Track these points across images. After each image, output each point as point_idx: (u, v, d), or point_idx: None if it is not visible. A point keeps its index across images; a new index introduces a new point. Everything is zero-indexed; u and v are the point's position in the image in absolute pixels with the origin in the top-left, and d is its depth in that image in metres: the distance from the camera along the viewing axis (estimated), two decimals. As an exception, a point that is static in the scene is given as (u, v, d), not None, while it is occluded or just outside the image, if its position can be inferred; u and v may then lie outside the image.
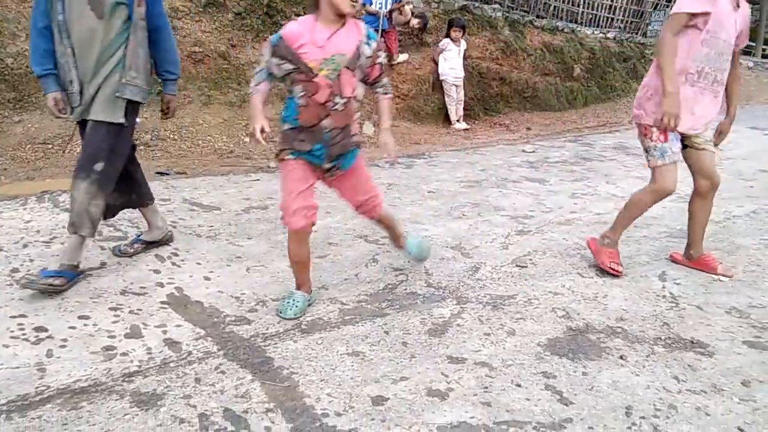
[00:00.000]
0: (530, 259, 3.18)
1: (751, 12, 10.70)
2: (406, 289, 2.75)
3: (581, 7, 10.85)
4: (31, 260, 2.83)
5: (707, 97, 2.79)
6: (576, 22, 10.71)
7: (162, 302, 2.52)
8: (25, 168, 4.49)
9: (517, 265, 3.10)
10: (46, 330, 2.24)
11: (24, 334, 2.20)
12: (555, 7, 10.54)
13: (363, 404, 1.90)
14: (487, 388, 2.02)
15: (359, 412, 1.85)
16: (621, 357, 2.25)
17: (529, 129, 7.63)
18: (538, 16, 10.01)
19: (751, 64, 13.34)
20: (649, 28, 12.26)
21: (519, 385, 2.05)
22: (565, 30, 9.91)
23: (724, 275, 3.01)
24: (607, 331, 2.45)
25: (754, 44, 14.77)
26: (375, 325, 2.41)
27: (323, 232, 3.41)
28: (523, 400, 1.96)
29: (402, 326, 2.41)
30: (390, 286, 2.79)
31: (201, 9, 6.33)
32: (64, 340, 2.18)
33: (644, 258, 3.25)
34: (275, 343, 2.23)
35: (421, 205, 4.04)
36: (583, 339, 2.38)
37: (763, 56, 15.07)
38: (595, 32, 10.57)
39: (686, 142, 2.89)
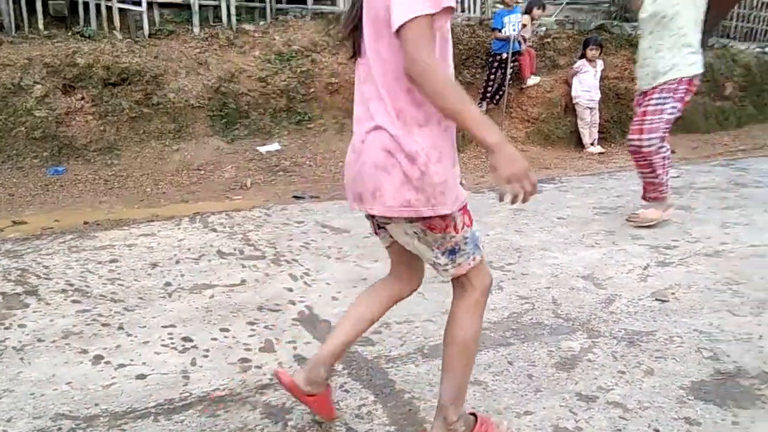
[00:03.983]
0: (672, 293, 2.94)
1: None
2: (532, 319, 2.66)
3: (735, 20, 10.00)
4: (182, 275, 3.11)
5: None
6: (728, 36, 9.88)
7: (294, 319, 2.65)
8: (181, 191, 4.97)
9: (657, 299, 2.87)
10: (191, 340, 2.44)
11: (173, 343, 2.42)
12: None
13: (484, 436, 1.84)
14: (620, 430, 1.89)
15: (480, 444, 1.80)
16: (781, 408, 2.00)
17: (673, 152, 7.08)
18: (683, 33, 9.36)
19: None
20: (818, 39, 10.97)
21: (657, 431, 1.88)
22: (716, 46, 9.17)
23: None
24: (762, 377, 2.18)
25: None
26: (498, 354, 2.35)
27: (448, 257, 3.40)
28: (661, 447, 1.80)
29: (527, 357, 2.33)
30: (515, 314, 2.71)
31: (338, 42, 6.69)
32: (207, 350, 2.37)
33: (811, 297, 2.87)
34: (397, 366, 2.25)
35: (551, 232, 3.90)
36: (734, 384, 2.14)
37: None
38: (752, 47, 9.66)
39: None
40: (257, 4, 6.61)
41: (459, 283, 1.67)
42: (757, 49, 9.60)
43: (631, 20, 9.12)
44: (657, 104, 3.79)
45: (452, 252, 1.59)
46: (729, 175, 5.70)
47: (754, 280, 3.08)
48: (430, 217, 1.53)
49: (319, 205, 4.57)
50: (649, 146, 3.82)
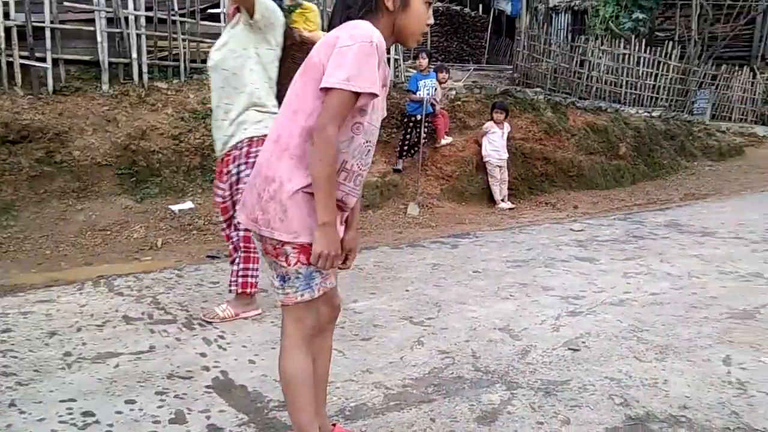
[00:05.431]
0: (583, 342, 3.05)
1: None
2: (452, 373, 2.67)
3: (624, 87, 10.96)
4: (84, 344, 2.89)
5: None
6: (619, 102, 10.81)
7: (207, 386, 2.51)
8: (85, 254, 4.68)
9: (569, 349, 2.97)
10: (93, 415, 2.25)
11: (72, 419, 2.22)
12: (597, 88, 10.69)
13: (409, 498, 1.80)
14: (541, 482, 1.89)
15: (405, 507, 1.75)
16: (688, 450, 2.08)
17: (576, 207, 7.54)
18: (580, 98, 10.16)
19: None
20: (695, 106, 12.23)
21: (576, 480, 1.91)
22: (609, 110, 9.98)
23: None
24: (669, 421, 2.28)
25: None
26: (421, 411, 2.33)
27: (368, 313, 3.38)
28: (581, 497, 1.81)
29: (449, 413, 2.32)
30: (436, 369, 2.71)
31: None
32: (110, 425, 2.18)
33: (706, 341, 3.07)
34: (318, 431, 2.17)
35: (467, 286, 3.98)
36: (644, 429, 2.22)
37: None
38: (640, 111, 10.60)
39: None
40: (170, 63, 6.54)
41: (284, 318, 1.81)
42: (645, 114, 10.55)
43: (532, 86, 9.82)
44: (232, 178, 3.20)
45: (283, 279, 1.74)
46: (627, 228, 6.10)
47: (656, 327, 3.26)
48: (265, 239, 1.71)
49: (235, 264, 4.43)
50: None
